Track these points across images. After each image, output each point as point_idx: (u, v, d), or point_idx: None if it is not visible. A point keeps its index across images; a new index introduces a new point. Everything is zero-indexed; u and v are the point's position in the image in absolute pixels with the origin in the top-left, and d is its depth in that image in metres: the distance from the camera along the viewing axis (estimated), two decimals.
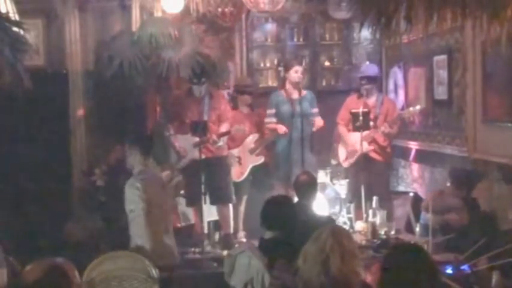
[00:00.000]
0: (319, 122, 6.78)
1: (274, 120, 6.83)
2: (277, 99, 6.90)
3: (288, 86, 6.87)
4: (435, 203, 5.40)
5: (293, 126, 6.76)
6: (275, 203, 4.45)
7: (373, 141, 6.74)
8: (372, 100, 6.82)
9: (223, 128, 6.59)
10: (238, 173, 6.84)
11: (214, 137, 6.43)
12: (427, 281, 2.68)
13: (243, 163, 6.88)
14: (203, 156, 6.39)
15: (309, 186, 5.41)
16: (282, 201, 4.57)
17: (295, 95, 6.76)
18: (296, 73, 6.79)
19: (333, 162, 7.32)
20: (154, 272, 2.37)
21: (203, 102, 6.58)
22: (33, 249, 5.67)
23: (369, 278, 3.53)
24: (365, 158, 6.66)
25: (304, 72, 7.33)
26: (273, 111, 6.85)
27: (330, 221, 5.21)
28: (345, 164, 7.03)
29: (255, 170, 6.94)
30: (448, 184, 5.62)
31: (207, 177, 6.47)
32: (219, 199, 6.60)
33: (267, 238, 4.25)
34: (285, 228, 4.23)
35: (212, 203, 6.63)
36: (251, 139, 6.93)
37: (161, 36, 6.60)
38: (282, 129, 6.69)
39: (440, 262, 4.11)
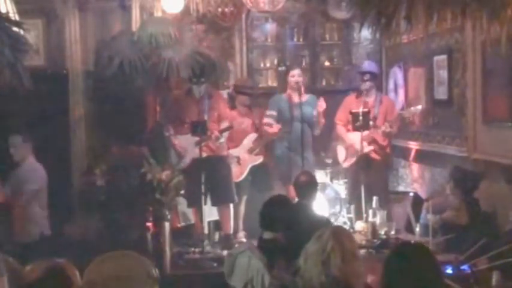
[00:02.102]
0: (321, 104, 6.72)
1: (272, 121, 6.81)
2: (279, 102, 6.91)
3: (289, 89, 6.88)
4: (435, 202, 5.40)
5: (292, 130, 6.76)
6: (273, 203, 4.45)
7: (373, 141, 6.74)
8: (370, 100, 6.82)
9: (224, 126, 6.59)
10: (238, 173, 6.84)
11: (216, 133, 6.44)
12: (431, 281, 2.68)
13: (242, 163, 6.88)
14: (204, 155, 6.39)
15: (309, 187, 5.41)
16: (280, 201, 4.58)
17: (295, 98, 6.76)
18: (293, 77, 6.80)
19: (328, 161, 7.32)
20: (155, 272, 2.36)
21: (202, 102, 6.58)
22: (34, 248, 5.70)
23: (370, 278, 3.53)
24: (365, 158, 6.66)
25: (304, 73, 7.32)
26: (274, 113, 6.84)
27: (327, 223, 5.21)
28: (345, 164, 7.03)
29: (255, 170, 6.93)
30: (449, 183, 5.60)
31: (208, 177, 6.46)
32: (221, 199, 6.60)
33: (266, 238, 4.25)
34: (283, 228, 4.24)
35: (214, 204, 6.63)
36: (250, 139, 6.92)
37: (161, 36, 6.59)
38: (276, 129, 6.67)
39: (440, 262, 4.11)
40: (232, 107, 7.06)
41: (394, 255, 2.85)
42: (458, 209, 5.31)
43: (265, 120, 6.87)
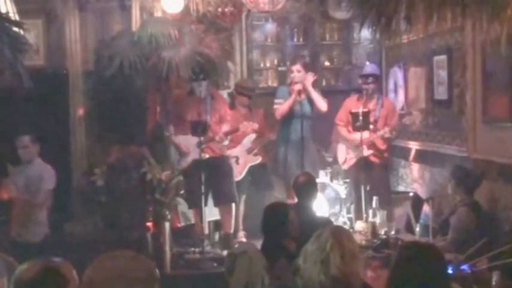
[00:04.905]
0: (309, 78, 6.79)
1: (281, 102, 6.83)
2: (284, 94, 6.91)
3: (292, 85, 6.88)
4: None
5: (292, 126, 6.76)
6: (271, 212, 4.52)
7: (372, 145, 6.73)
8: (372, 102, 6.81)
9: (225, 128, 6.59)
10: (236, 173, 6.84)
11: (221, 134, 6.44)
12: (437, 280, 2.69)
13: (241, 163, 6.88)
14: (206, 156, 6.39)
15: (308, 187, 5.41)
16: (278, 209, 4.61)
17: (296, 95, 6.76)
18: (292, 73, 6.82)
19: (329, 159, 7.32)
20: (155, 272, 2.36)
21: (205, 103, 6.58)
22: (40, 248, 5.70)
23: (368, 274, 3.53)
24: (364, 161, 6.66)
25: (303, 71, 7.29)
26: (282, 101, 6.84)
27: (328, 222, 5.22)
28: (344, 166, 7.03)
29: (254, 170, 6.94)
30: (450, 182, 5.60)
31: (210, 178, 6.45)
32: (222, 199, 6.59)
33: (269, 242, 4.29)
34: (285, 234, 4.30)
35: (216, 204, 6.63)
36: (249, 139, 6.92)
37: (161, 36, 6.60)
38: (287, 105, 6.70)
39: None
40: (232, 107, 7.06)
41: (403, 254, 2.85)
42: (468, 215, 5.28)
43: (276, 106, 6.87)
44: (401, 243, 5.06)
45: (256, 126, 6.76)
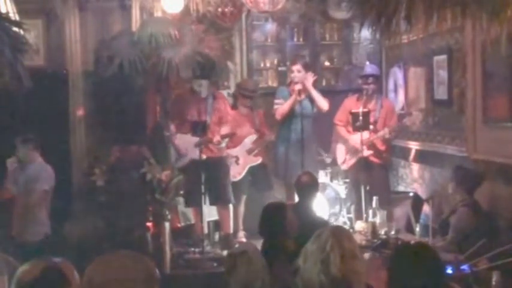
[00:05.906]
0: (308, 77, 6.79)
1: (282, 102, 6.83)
2: (284, 94, 6.91)
3: (292, 85, 6.89)
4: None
5: (292, 126, 6.76)
6: (270, 211, 4.51)
7: (372, 145, 6.74)
8: (371, 103, 6.80)
9: (224, 130, 6.58)
10: (235, 173, 6.84)
11: (218, 137, 6.44)
12: (432, 280, 2.69)
13: (241, 163, 6.87)
14: (204, 156, 6.39)
15: (310, 187, 5.41)
16: (277, 209, 4.61)
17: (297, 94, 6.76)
18: (292, 73, 6.83)
19: (328, 160, 7.32)
20: (155, 272, 2.36)
21: (206, 103, 6.58)
22: (38, 248, 5.70)
23: (371, 277, 3.53)
24: (364, 161, 6.66)
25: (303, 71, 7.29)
26: (282, 101, 6.84)
27: (327, 224, 5.22)
28: (343, 166, 7.03)
29: (254, 170, 6.93)
30: (451, 182, 5.60)
31: (207, 178, 6.47)
32: (218, 199, 6.60)
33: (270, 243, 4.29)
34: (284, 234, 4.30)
35: (211, 203, 6.63)
36: (249, 139, 6.92)
37: (161, 36, 6.60)
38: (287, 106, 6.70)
39: None
40: (234, 106, 7.06)
41: (399, 255, 2.85)
42: (468, 215, 5.28)
43: (276, 107, 6.87)
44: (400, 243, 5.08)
45: (250, 130, 6.79)
